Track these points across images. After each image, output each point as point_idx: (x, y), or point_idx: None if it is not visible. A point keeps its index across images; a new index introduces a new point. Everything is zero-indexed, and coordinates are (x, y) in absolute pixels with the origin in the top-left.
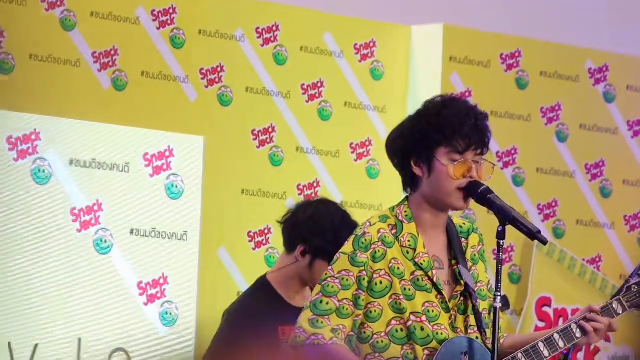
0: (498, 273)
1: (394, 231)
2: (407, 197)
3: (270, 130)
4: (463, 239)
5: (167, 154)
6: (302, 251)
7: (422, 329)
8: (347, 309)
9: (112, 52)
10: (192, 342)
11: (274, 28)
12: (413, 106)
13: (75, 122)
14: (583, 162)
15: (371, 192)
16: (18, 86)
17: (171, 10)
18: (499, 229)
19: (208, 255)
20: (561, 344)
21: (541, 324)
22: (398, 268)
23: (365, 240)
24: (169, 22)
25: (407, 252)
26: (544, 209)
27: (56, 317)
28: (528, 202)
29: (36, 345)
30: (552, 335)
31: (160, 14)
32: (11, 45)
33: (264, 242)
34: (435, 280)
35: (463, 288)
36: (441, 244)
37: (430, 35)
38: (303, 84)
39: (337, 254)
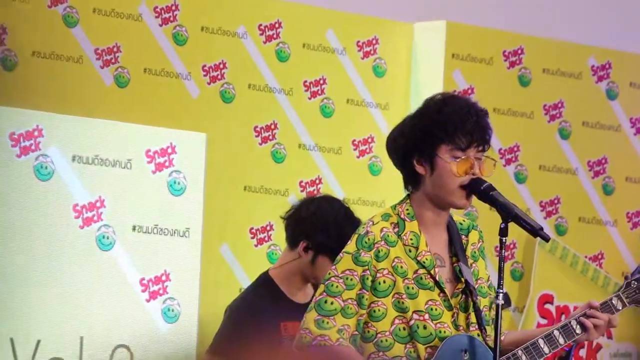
0: (500, 270)
1: (396, 229)
2: (408, 195)
3: (272, 127)
4: (463, 236)
5: (170, 150)
6: (304, 247)
7: (424, 327)
8: (351, 309)
9: (115, 49)
10: (194, 338)
11: (277, 25)
12: (415, 103)
13: (77, 119)
14: (585, 159)
15: (373, 189)
16: (21, 82)
17: (173, 7)
18: (502, 226)
19: (210, 251)
20: (561, 340)
21: (543, 321)
22: (401, 267)
23: (369, 239)
24: (171, 18)
25: (410, 251)
26: (547, 206)
27: (58, 314)
28: (530, 199)
29: (38, 342)
30: (552, 332)
31: (162, 11)
32: (14, 42)
33: (266, 238)
34: (437, 278)
35: (464, 286)
36: (442, 241)
37: (433, 32)
38: (305, 81)
39: (341, 254)
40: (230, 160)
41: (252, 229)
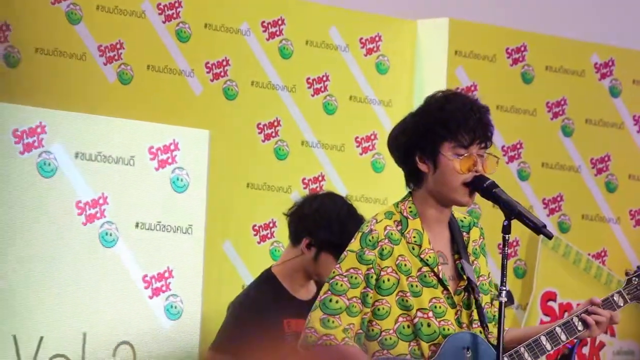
0: (503, 267)
1: (399, 227)
2: (410, 193)
3: (275, 124)
4: (464, 233)
5: (173, 147)
6: (307, 244)
7: (428, 325)
8: (356, 307)
9: (118, 46)
10: (197, 335)
11: (280, 22)
12: (418, 100)
13: (80, 116)
14: (588, 157)
15: (376, 186)
16: (24, 79)
17: (177, 4)
18: (505, 223)
19: (213, 248)
20: (563, 337)
21: (546, 319)
22: (405, 265)
23: (373, 237)
24: (174, 15)
25: (413, 249)
26: (549, 203)
27: (61, 311)
28: (533, 196)
29: (41, 339)
30: (554, 329)
31: (165, 8)
32: (17, 39)
33: (269, 235)
34: (441, 276)
35: (466, 283)
36: (445, 239)
37: (436, 30)
38: (308, 78)
39: (345, 252)
40: (233, 157)
41: (254, 226)
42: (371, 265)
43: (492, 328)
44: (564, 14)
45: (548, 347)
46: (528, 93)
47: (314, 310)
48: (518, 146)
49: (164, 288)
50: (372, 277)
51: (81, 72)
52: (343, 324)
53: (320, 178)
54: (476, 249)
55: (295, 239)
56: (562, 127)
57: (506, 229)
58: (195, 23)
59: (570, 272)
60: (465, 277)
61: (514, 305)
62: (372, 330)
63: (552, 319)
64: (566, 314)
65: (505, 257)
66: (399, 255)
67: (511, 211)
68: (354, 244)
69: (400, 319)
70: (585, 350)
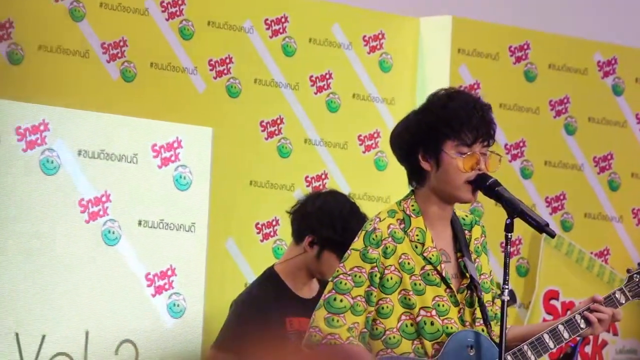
0: (506, 266)
1: (402, 226)
2: (412, 191)
3: (278, 121)
4: (466, 231)
5: (176, 145)
6: (310, 242)
7: (432, 323)
8: (360, 306)
9: (121, 43)
10: (199, 333)
11: (283, 19)
12: (421, 98)
13: (83, 113)
14: (591, 155)
15: (379, 184)
16: (27, 77)
17: (180, 2)
18: (507, 222)
19: (216, 246)
20: (566, 335)
21: (549, 317)
22: (408, 263)
23: (376, 236)
24: (177, 13)
25: (416, 247)
26: (552, 201)
27: (63, 309)
28: (536, 194)
29: (43, 337)
30: (557, 327)
31: (169, 5)
32: (20, 36)
33: (272, 233)
34: (444, 274)
35: (469, 281)
36: (447, 237)
37: (439, 27)
38: (311, 76)
39: (348, 251)
40: (236, 155)
41: (257, 223)
42: (375, 264)
43: (495, 326)
44: (566, 12)
45: (551, 345)
46: (531, 91)
47: (318, 309)
48: (521, 144)
49: (166, 286)
50: (376, 275)
51: (84, 69)
52: (347, 323)
53: (323, 176)
54: (478, 247)
55: (298, 237)
56: (565, 125)
57: (509, 228)
58: (198, 20)
59: (573, 271)
60: (468, 275)
61: (516, 304)
62: (376, 329)
63: (555, 318)
64: (569, 312)
65: (507, 256)
66: (402, 254)
67: (514, 209)
68: (358, 243)
69: (403, 317)
70: (588, 349)
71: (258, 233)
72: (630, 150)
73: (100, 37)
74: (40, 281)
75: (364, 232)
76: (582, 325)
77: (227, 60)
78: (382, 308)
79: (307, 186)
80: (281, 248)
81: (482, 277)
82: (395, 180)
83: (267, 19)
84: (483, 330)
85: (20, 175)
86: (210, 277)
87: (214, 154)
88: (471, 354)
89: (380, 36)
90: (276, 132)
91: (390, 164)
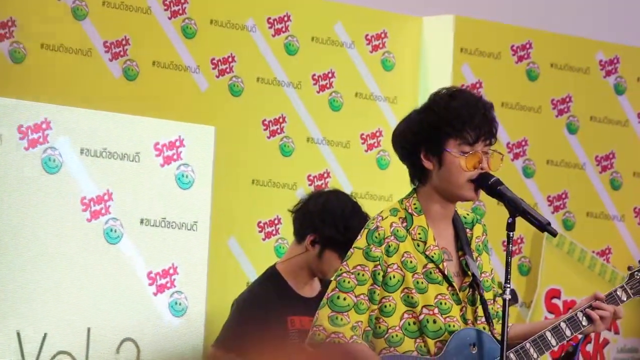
0: (508, 265)
1: (404, 224)
2: (415, 189)
3: (280, 120)
4: (468, 230)
5: (178, 143)
6: (311, 241)
7: (434, 321)
8: (363, 304)
9: (124, 42)
10: (201, 332)
11: (285, 18)
12: (424, 97)
13: (86, 112)
14: (593, 154)
15: (381, 183)
16: (29, 75)
17: (182, 0)
18: (509, 221)
19: (218, 245)
20: (568, 332)
21: (550, 316)
22: (410, 262)
23: (379, 234)
24: (180, 11)
25: (418, 245)
26: (554, 200)
27: (65, 307)
28: (538, 193)
29: (45, 335)
30: (559, 324)
31: (171, 4)
32: (23, 35)
33: (274, 232)
34: (446, 272)
35: (471, 279)
36: (449, 235)
37: (441, 27)
38: (314, 75)
39: (351, 249)
40: (238, 153)
41: (259, 222)
42: (378, 262)
43: (497, 325)
44: (569, 12)
45: (553, 342)
46: (533, 90)
47: (322, 307)
48: (523, 143)
49: (168, 285)
50: (379, 273)
51: (87, 68)
52: (351, 322)
53: (325, 175)
54: (479, 246)
55: (299, 236)
56: (567, 124)
57: (510, 227)
58: (201, 19)
59: (575, 270)
60: (470, 273)
61: (518, 303)
62: (379, 327)
63: (556, 317)
64: (570, 311)
65: (509, 255)
66: (405, 252)
67: (516, 209)
68: (360, 241)
69: (406, 315)
70: (590, 347)
71: (260, 232)
72: (632, 149)
73: (103, 35)
74: (41, 280)
75: (366, 231)
76: (584, 322)
77: (230, 59)
78: (385, 306)
79: (310, 185)
80: (283, 247)
81: (483, 275)
82: (397, 179)
83: (269, 18)
84: (484, 328)
85: (22, 173)
86: (212, 276)
87: (216, 153)
88: (473, 351)
89: (382, 35)
90: (278, 130)
91: (392, 162)
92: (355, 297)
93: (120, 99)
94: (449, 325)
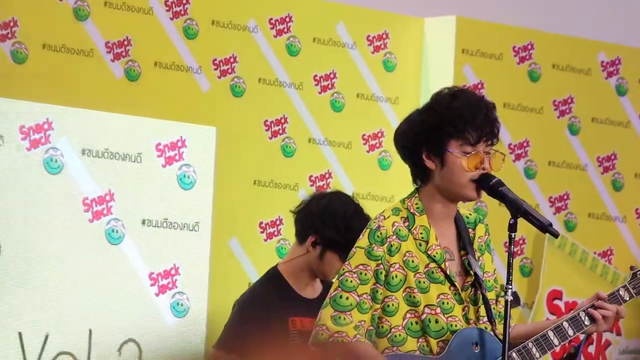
0: (509, 266)
1: (406, 224)
2: (417, 189)
3: (282, 121)
4: (470, 230)
5: (180, 144)
6: (312, 242)
7: (436, 321)
8: (366, 304)
9: (125, 42)
10: (203, 333)
11: (287, 19)
12: (425, 98)
13: (87, 112)
14: (595, 155)
15: (383, 184)
16: (31, 76)
17: (184, 1)
18: (511, 222)
19: (219, 246)
20: (570, 332)
21: (552, 317)
22: (412, 261)
23: (381, 233)
24: (182, 12)
25: (420, 245)
26: (556, 201)
27: (67, 308)
28: (540, 194)
29: (46, 336)
30: (561, 324)
31: (173, 4)
32: (24, 35)
33: (276, 233)
34: (448, 272)
35: (473, 279)
36: (451, 235)
37: (443, 28)
38: (316, 75)
39: (353, 249)
40: (240, 154)
41: (261, 223)
42: (380, 261)
43: (499, 325)
44: (570, 13)
45: (555, 342)
46: (535, 91)
47: (325, 307)
48: (525, 144)
49: (170, 285)
50: (381, 273)
51: (88, 68)
52: (354, 321)
53: (327, 175)
54: (481, 246)
55: (301, 237)
56: (568, 125)
57: (512, 228)
58: (202, 20)
59: (577, 271)
60: (472, 272)
61: (520, 306)
62: (382, 327)
63: (558, 318)
64: (572, 311)
65: (511, 256)
66: (407, 252)
67: (517, 209)
68: (362, 241)
69: (408, 315)
70: (592, 349)
71: (262, 232)
72: (634, 150)
73: (105, 36)
74: (43, 280)
75: (368, 230)
76: (587, 322)
77: (232, 60)
78: (388, 306)
79: (311, 186)
80: (285, 248)
81: (485, 275)
82: (399, 180)
83: (271, 19)
84: (487, 328)
85: (23, 174)
86: (214, 277)
87: (217, 154)
88: (476, 351)
89: (384, 36)
90: (280, 131)
91: (394, 163)
92: (358, 296)
93: (122, 99)
94: (451, 325)
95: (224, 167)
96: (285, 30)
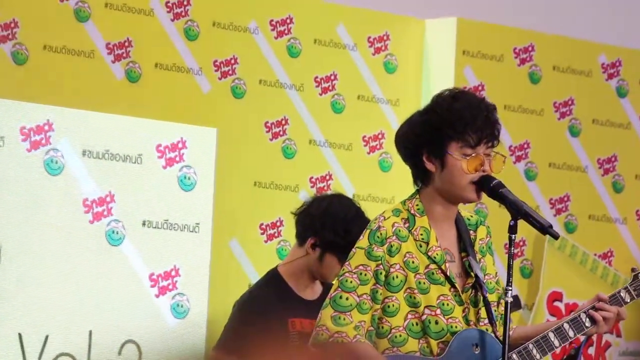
0: (510, 267)
1: (407, 225)
2: (417, 191)
3: (283, 122)
4: (471, 231)
5: (180, 145)
6: (312, 244)
7: (436, 322)
8: (366, 304)
9: (126, 44)
10: (203, 334)
11: (288, 20)
12: (426, 99)
13: (88, 113)
14: (595, 157)
15: (383, 185)
16: (32, 77)
17: (185, 2)
18: (511, 223)
19: (220, 247)
20: (571, 333)
21: (552, 319)
22: (413, 262)
23: (381, 234)
24: (183, 13)
25: (420, 246)
26: (556, 203)
27: (67, 309)
28: (540, 196)
29: (47, 337)
30: (562, 325)
31: (174, 6)
32: (25, 36)
33: (276, 234)
34: (448, 273)
35: (474, 280)
36: (452, 236)
37: (444, 29)
38: (316, 77)
39: (353, 249)
40: (240, 155)
41: (262, 224)
42: (380, 262)
43: (500, 327)
44: (571, 14)
45: (556, 343)
46: (535, 93)
47: (325, 308)
48: (525, 146)
49: (170, 287)
50: (381, 273)
51: (89, 69)
52: (354, 321)
53: (327, 177)
54: (483, 247)
55: (301, 238)
56: (569, 127)
57: (512, 229)
58: (203, 21)
59: (577, 273)
60: (473, 274)
61: (521, 309)
62: (382, 327)
63: (558, 319)
64: (573, 312)
65: (511, 257)
66: (407, 252)
67: (517, 211)
68: (362, 241)
69: (410, 316)
70: (592, 350)
71: (262, 234)
72: (634, 152)
73: (105, 37)
74: (43, 281)
75: (368, 231)
76: (587, 323)
77: (232, 61)
78: (388, 306)
79: (312, 187)
80: (285, 249)
81: (487, 277)
82: (399, 182)
83: (272, 20)
84: (487, 330)
85: (24, 175)
86: (214, 278)
87: (218, 155)
88: (476, 352)
89: (385, 37)
90: (281, 133)
91: (394, 165)
92: (358, 296)
93: (122, 100)
94: (452, 326)
95: (224, 169)
96: (286, 31)
